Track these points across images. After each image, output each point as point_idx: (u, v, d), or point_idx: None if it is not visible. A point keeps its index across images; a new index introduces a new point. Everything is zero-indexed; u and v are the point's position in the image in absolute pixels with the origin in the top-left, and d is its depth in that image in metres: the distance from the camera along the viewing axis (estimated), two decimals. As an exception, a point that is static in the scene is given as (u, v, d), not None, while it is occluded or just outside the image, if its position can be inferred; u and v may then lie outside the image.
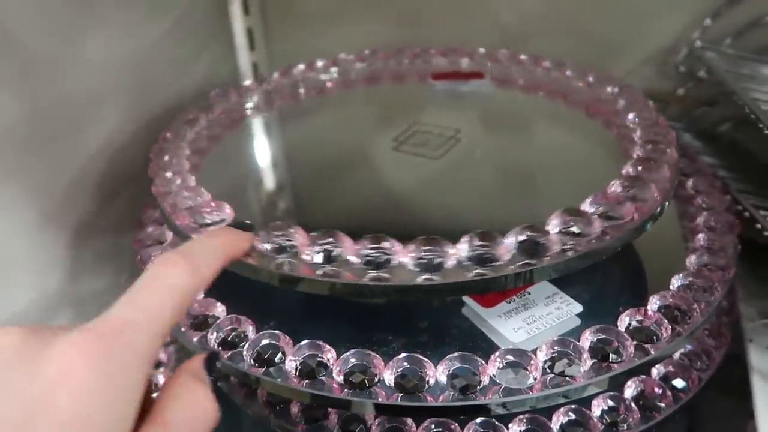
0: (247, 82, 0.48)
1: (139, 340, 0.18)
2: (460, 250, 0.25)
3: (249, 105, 0.46)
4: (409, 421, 0.27)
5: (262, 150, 0.43)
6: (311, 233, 0.26)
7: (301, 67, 0.48)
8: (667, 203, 0.29)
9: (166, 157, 0.35)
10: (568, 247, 0.25)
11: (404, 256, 0.25)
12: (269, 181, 0.40)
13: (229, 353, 0.26)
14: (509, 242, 0.25)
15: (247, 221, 0.28)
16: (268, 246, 0.26)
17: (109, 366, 0.17)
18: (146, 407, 0.18)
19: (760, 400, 0.28)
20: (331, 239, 0.26)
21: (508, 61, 0.47)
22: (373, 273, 0.25)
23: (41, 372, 0.16)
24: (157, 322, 0.18)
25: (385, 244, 0.25)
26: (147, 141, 0.39)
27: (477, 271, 0.25)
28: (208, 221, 0.28)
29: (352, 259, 0.25)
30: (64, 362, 0.16)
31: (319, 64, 0.49)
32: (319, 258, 0.26)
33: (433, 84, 0.46)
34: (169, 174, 0.33)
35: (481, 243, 0.25)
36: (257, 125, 0.45)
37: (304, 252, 0.26)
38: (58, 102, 0.35)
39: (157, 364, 0.37)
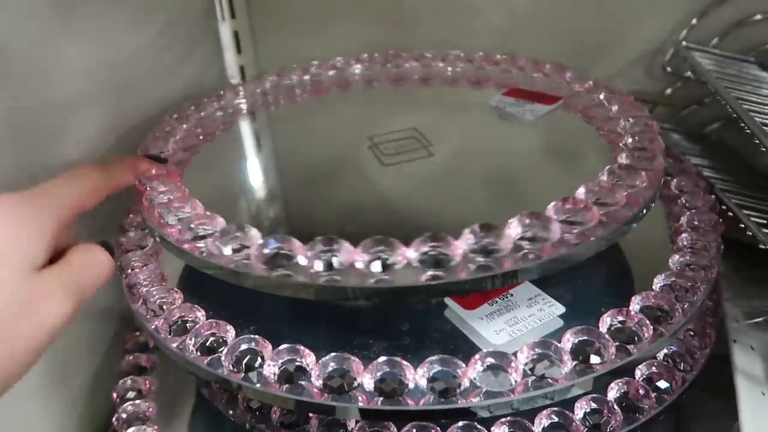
0: (234, 82, 0.48)
1: (50, 202, 0.25)
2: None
3: (236, 106, 0.46)
4: (391, 425, 0.26)
5: (248, 152, 0.43)
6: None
7: (292, 70, 0.48)
8: (644, 211, 0.28)
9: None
10: (527, 251, 0.25)
11: (302, 254, 0.25)
12: (253, 183, 0.39)
13: (208, 359, 0.26)
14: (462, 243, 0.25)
15: (163, 156, 0.35)
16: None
17: (24, 213, 0.23)
18: None
19: (744, 401, 0.27)
20: (239, 233, 0.26)
21: (507, 64, 0.47)
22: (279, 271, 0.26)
23: None
24: (67, 195, 0.26)
25: (289, 243, 0.25)
26: (132, 145, 0.38)
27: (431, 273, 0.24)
28: (180, 216, 0.29)
29: (254, 253, 0.26)
30: None
31: (311, 66, 0.49)
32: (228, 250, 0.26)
33: (497, 99, 0.43)
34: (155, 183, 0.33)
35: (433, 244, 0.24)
36: (243, 127, 0.45)
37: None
38: (39, 106, 0.34)
39: (142, 370, 0.37)
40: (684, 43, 0.46)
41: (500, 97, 0.43)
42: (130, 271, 0.32)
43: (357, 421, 0.27)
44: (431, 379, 0.24)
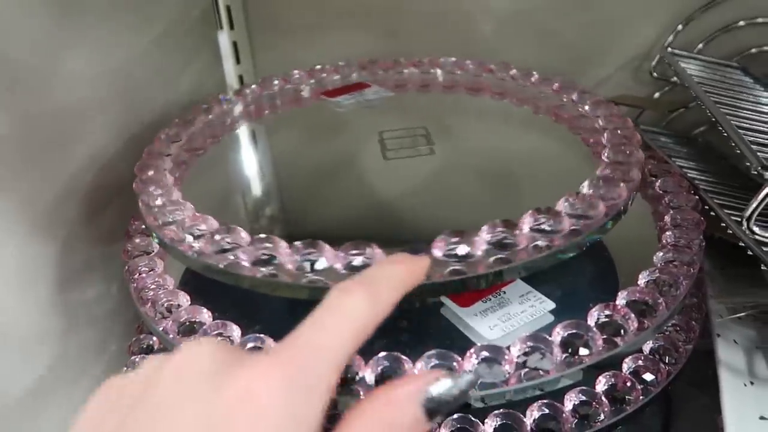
0: (230, 92, 0.49)
1: (322, 368, 0.18)
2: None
3: (231, 116, 0.47)
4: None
5: (245, 160, 0.44)
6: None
7: (276, 81, 0.50)
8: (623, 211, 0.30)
9: (150, 172, 0.36)
10: (497, 258, 0.26)
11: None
12: (253, 190, 0.41)
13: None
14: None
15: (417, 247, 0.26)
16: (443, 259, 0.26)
17: (291, 393, 0.16)
18: None
19: (727, 393, 0.29)
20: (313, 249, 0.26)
21: (477, 70, 0.49)
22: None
23: (224, 391, 0.16)
24: (339, 351, 0.18)
25: (368, 250, 0.26)
26: (135, 153, 0.39)
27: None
28: (195, 234, 0.29)
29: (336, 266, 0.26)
30: (248, 384, 0.16)
31: (296, 75, 0.50)
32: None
33: (337, 101, 0.47)
34: (152, 189, 0.34)
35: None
36: (239, 136, 0.46)
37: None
38: (45, 115, 0.35)
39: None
40: (669, 48, 0.48)
41: (329, 99, 0.48)
42: (137, 275, 0.33)
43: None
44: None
